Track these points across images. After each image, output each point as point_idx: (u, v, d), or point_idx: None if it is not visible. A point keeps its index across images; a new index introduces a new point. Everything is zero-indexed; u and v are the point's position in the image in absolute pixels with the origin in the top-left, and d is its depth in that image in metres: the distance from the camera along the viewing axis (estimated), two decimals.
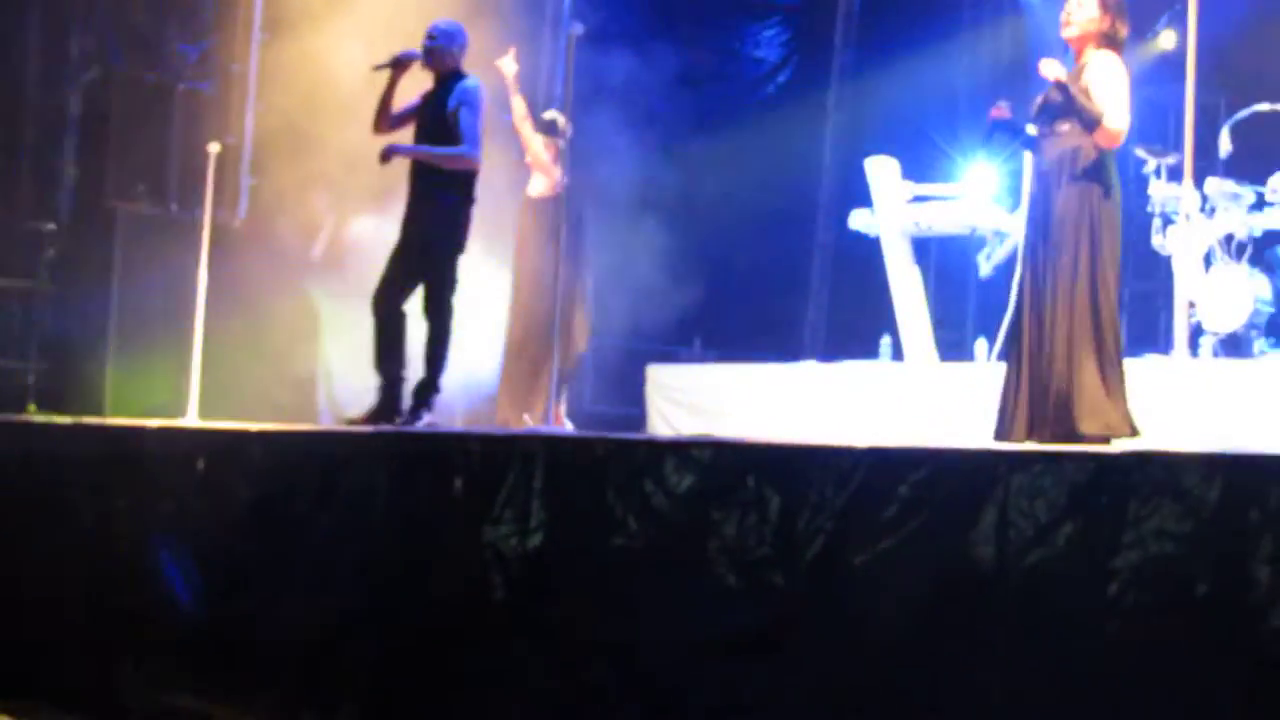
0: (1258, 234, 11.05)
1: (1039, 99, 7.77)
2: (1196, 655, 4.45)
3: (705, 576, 5.56)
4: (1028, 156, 8.20)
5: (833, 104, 16.65)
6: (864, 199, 12.41)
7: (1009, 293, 11.86)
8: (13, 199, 13.04)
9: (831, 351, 14.12)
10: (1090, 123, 7.39)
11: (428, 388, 8.94)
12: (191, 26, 13.65)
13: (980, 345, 12.66)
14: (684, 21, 14.72)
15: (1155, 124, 13.51)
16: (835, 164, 16.21)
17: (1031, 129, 7.77)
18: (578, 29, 10.51)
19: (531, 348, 10.89)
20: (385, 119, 9.07)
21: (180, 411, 9.80)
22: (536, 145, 11.12)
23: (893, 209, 12.08)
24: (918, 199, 12.30)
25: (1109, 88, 7.47)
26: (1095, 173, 7.47)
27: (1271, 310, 10.84)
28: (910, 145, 14.16)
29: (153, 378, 11.29)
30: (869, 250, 12.54)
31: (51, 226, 12.86)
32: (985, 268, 12.63)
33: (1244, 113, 11.00)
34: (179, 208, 12.11)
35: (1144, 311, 14.23)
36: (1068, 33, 7.83)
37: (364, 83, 10.25)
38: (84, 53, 13.33)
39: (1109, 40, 7.76)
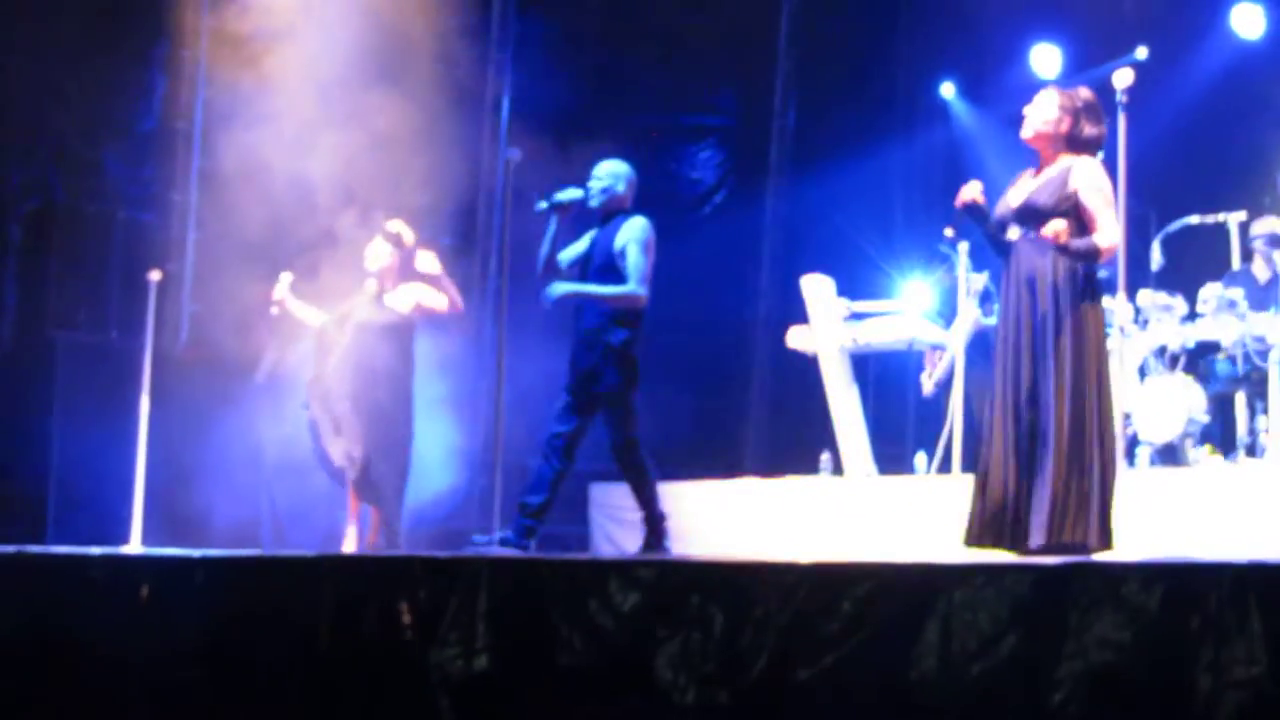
0: (1190, 345, 11.14)
1: (1012, 205, 7.58)
2: None
3: (651, 694, 5.57)
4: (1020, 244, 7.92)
5: (768, 223, 16.74)
6: (801, 316, 12.50)
7: (946, 406, 12.00)
8: None
9: (772, 467, 14.15)
10: (1089, 252, 7.23)
11: (656, 521, 9.04)
12: (131, 157, 13.71)
13: (920, 458, 12.72)
14: (624, 146, 14.85)
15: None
16: (772, 282, 16.29)
17: (1014, 232, 7.54)
18: (515, 155, 10.60)
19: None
20: (551, 261, 9.06)
21: (124, 539, 9.76)
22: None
23: (830, 326, 12.17)
24: (854, 316, 12.39)
25: (1095, 203, 7.31)
26: (1083, 279, 7.30)
27: (1207, 419, 10.93)
28: (846, 262, 14.31)
29: (94, 506, 11.25)
30: (807, 366, 12.62)
31: None
32: (928, 386, 12.71)
33: (1174, 225, 11.16)
34: (120, 335, 12.11)
35: None
36: (1024, 133, 7.70)
37: (303, 208, 10.35)
38: (25, 182, 13.37)
39: (1079, 144, 7.57)
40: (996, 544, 7.23)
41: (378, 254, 10.45)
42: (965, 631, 4.85)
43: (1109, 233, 7.26)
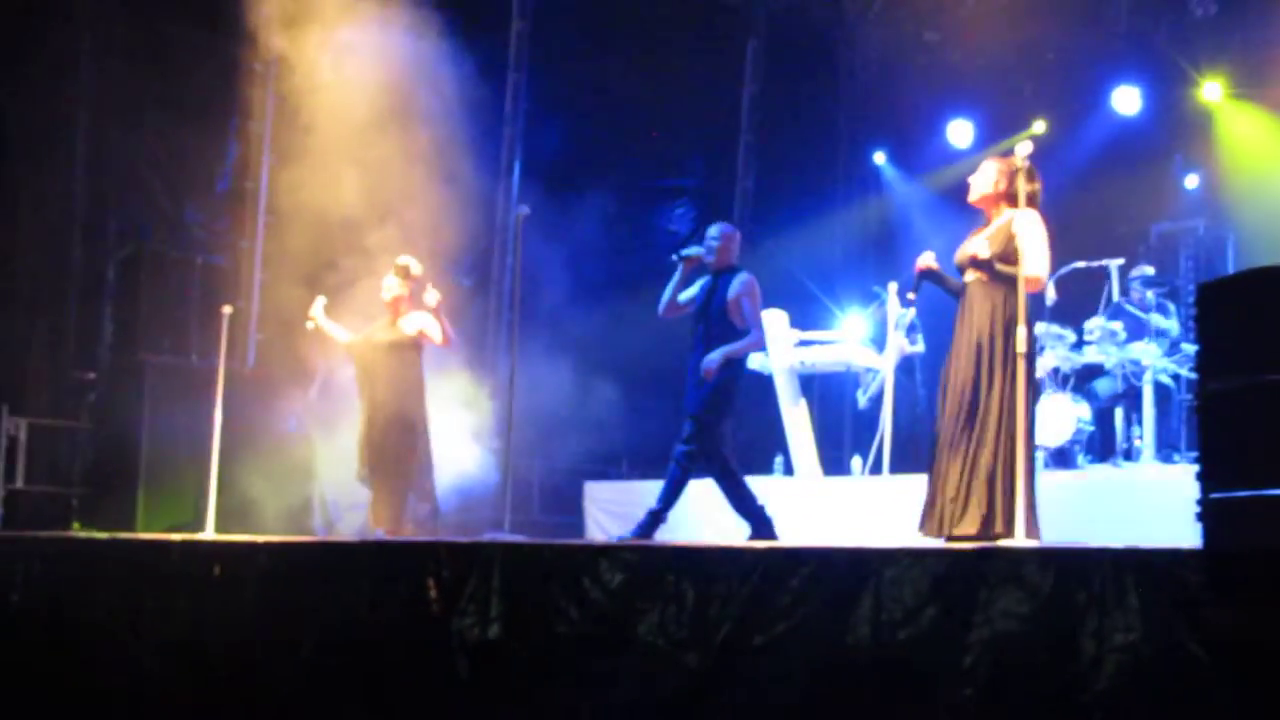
0: (1079, 367, 11.19)
1: (968, 253, 7.43)
2: (1034, 712, 4.46)
3: (634, 655, 5.55)
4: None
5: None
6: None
7: (878, 417, 11.99)
8: (60, 354, 13.00)
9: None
10: (1012, 279, 7.06)
11: (762, 525, 8.70)
12: (208, 212, 13.72)
13: (856, 461, 12.71)
14: (614, 204, 14.84)
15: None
16: None
17: (968, 276, 7.43)
18: (524, 211, 10.57)
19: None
20: (673, 302, 8.82)
21: (200, 527, 9.72)
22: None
23: (782, 352, 12.15)
24: (803, 343, 12.38)
25: (1028, 242, 7.16)
26: (1015, 313, 7.08)
27: (1092, 429, 10.94)
28: (796, 299, 14.26)
29: (176, 500, 11.21)
30: (765, 384, 12.60)
31: (92, 375, 12.81)
32: (862, 400, 12.72)
33: (1066, 268, 11.13)
34: (198, 359, 12.09)
35: None
36: (970, 198, 7.58)
37: (349, 255, 10.34)
38: (121, 232, 13.36)
39: (1017, 200, 7.30)
40: (940, 532, 7.12)
41: (390, 285, 10.40)
42: (893, 604, 4.84)
43: (1032, 265, 7.12)
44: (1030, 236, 7.22)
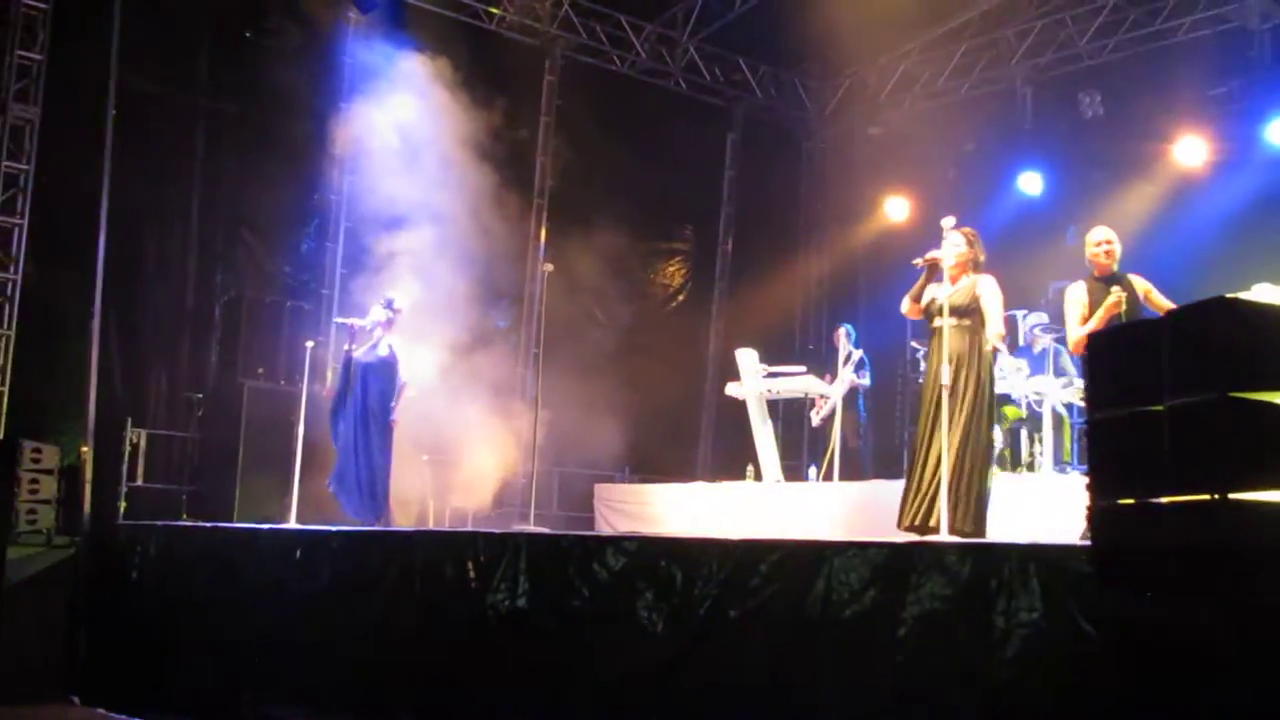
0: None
1: (940, 301, 7.26)
2: (954, 677, 4.46)
3: (635, 624, 5.54)
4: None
5: (714, 314, 16.76)
6: (735, 374, 12.48)
7: (829, 435, 11.95)
8: (174, 378, 13.02)
9: (714, 475, 14.11)
10: (975, 326, 7.21)
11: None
12: (295, 265, 13.76)
13: (812, 471, 12.68)
14: (621, 261, 14.88)
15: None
16: (717, 352, 16.27)
17: (939, 320, 7.22)
18: (548, 267, 10.58)
19: None
20: (918, 300, 7.55)
21: (285, 518, 9.71)
22: None
23: (753, 382, 12.14)
24: (769, 374, 12.36)
25: (991, 307, 7.24)
26: (982, 352, 7.23)
27: (1002, 446, 10.89)
28: (765, 340, 14.27)
29: (266, 495, 11.20)
30: (738, 407, 12.59)
31: (200, 395, 12.81)
32: (815, 420, 12.67)
33: None
34: (285, 383, 12.07)
35: None
36: (946, 263, 7.31)
37: (408, 302, 10.32)
38: (225, 281, 13.40)
39: (979, 266, 7.46)
40: (914, 529, 7.00)
41: (376, 314, 10.10)
42: (841, 586, 4.84)
43: (994, 327, 7.25)
44: (993, 301, 7.31)
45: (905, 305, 7.64)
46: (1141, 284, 7.39)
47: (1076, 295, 7.42)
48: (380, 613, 6.98)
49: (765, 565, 5.12)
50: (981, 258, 7.53)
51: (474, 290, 12.19)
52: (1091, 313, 7.29)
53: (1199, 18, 13.34)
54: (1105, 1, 13.94)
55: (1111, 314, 7.20)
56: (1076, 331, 7.34)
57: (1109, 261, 7.44)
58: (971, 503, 6.94)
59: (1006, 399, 11.03)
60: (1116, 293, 7.21)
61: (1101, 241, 7.48)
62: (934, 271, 7.43)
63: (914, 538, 6.69)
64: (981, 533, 6.93)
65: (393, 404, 9.82)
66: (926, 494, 7.01)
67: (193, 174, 13.34)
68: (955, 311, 7.26)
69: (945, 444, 6.88)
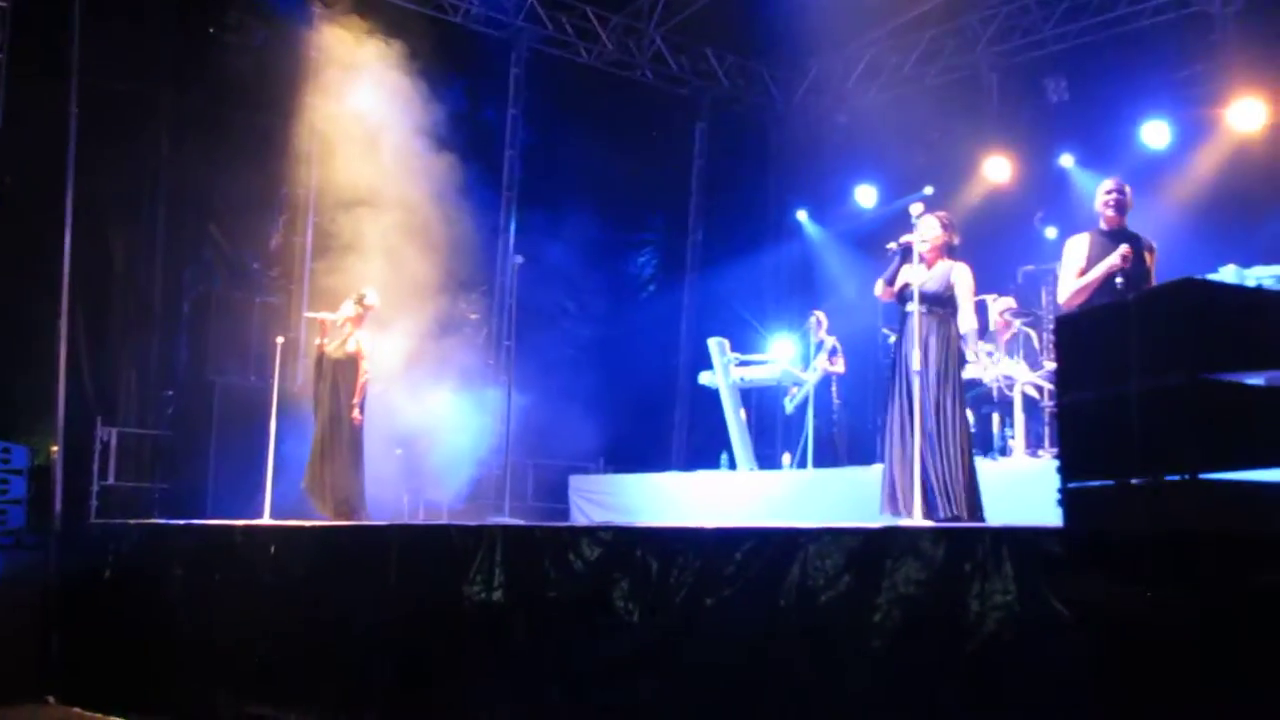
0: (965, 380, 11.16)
1: (913, 286, 7.18)
2: (930, 658, 4.47)
3: (611, 614, 5.54)
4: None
5: (685, 303, 16.77)
6: (708, 364, 12.51)
7: (803, 422, 12.00)
8: (144, 375, 12.95)
9: (689, 464, 14.14)
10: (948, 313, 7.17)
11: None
12: (264, 260, 13.68)
13: (785, 458, 12.72)
14: (591, 253, 14.87)
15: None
16: (688, 341, 16.31)
17: (912, 305, 7.14)
18: (519, 259, 10.58)
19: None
20: (893, 282, 7.36)
21: (259, 513, 9.67)
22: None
23: (725, 370, 12.17)
24: (741, 363, 12.40)
25: (963, 296, 7.18)
26: (955, 335, 7.19)
27: (974, 430, 10.87)
28: (736, 329, 14.30)
29: (240, 492, 11.13)
30: (711, 397, 12.61)
31: (171, 392, 12.76)
32: (789, 407, 12.72)
33: None
34: (256, 379, 12.00)
35: None
36: (921, 248, 7.27)
37: (379, 297, 10.27)
38: (194, 276, 13.33)
39: (953, 250, 7.39)
40: (895, 513, 6.95)
41: (346, 309, 9.95)
42: (816, 572, 4.84)
43: (967, 319, 7.20)
44: (966, 291, 7.22)
45: (879, 288, 7.53)
46: (1153, 249, 7.03)
47: (1075, 247, 7.10)
48: (356, 607, 6.95)
49: (740, 553, 5.12)
50: (956, 241, 7.49)
51: (445, 283, 12.16)
52: (1089, 268, 6.96)
53: (1162, 2, 13.42)
54: None
55: (1110, 272, 6.88)
56: (1068, 284, 7.04)
57: (1115, 214, 7.06)
58: (962, 490, 6.92)
59: (978, 384, 11.07)
60: (1123, 249, 6.86)
61: (1110, 190, 7.10)
62: (908, 255, 7.34)
63: (890, 522, 6.70)
64: (979, 516, 6.90)
65: (354, 400, 9.75)
66: (908, 482, 6.94)
67: (158, 171, 13.25)
68: (928, 298, 7.22)
69: (918, 429, 6.90)
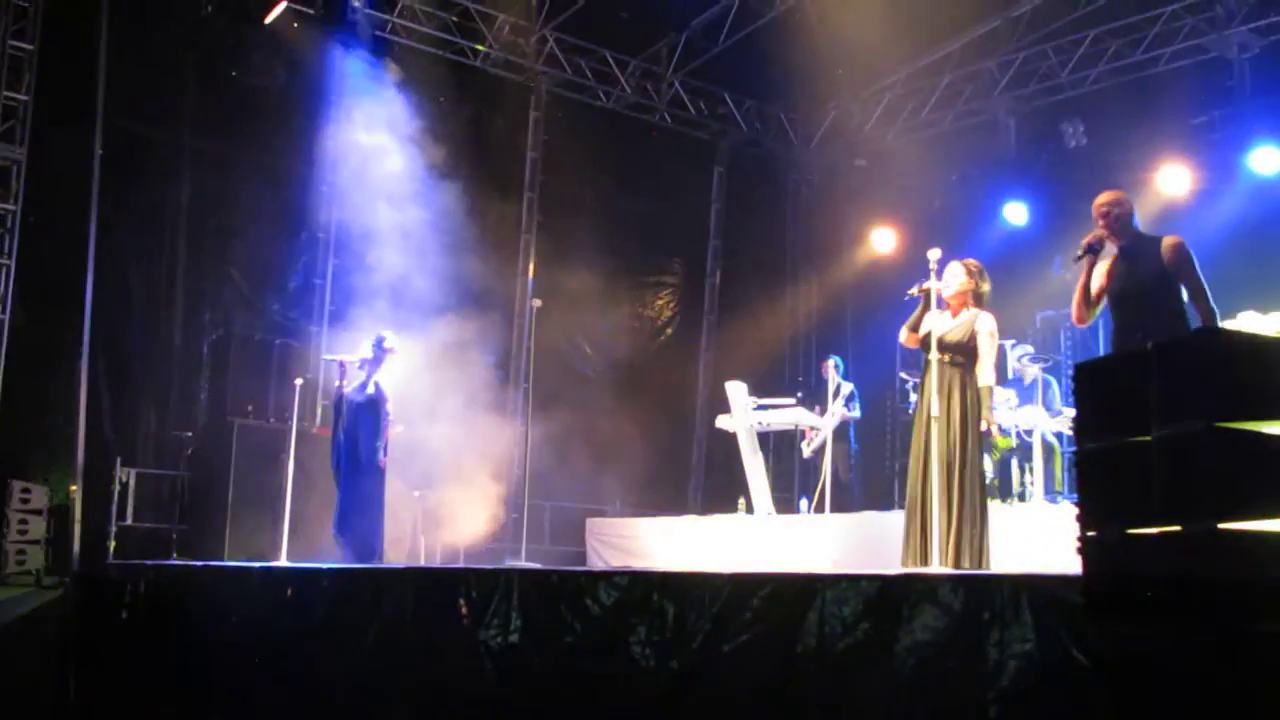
0: None
1: (936, 335, 7.11)
2: (949, 705, 4.45)
3: (627, 660, 5.52)
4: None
5: (703, 346, 16.79)
6: (725, 408, 12.50)
7: (820, 467, 11.98)
8: (163, 416, 13.01)
9: (705, 508, 14.11)
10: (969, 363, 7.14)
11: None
12: (284, 303, 13.77)
13: (803, 503, 12.69)
14: (609, 296, 14.89)
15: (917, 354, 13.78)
16: (706, 385, 16.32)
17: (934, 354, 7.07)
18: (536, 303, 10.61)
19: None
20: (916, 330, 7.38)
21: (276, 556, 9.68)
22: None
23: (743, 414, 12.16)
24: (759, 407, 12.38)
25: (985, 350, 7.16)
26: (973, 387, 7.15)
27: (993, 476, 10.88)
28: (754, 372, 14.30)
29: (257, 534, 11.16)
30: (729, 440, 12.60)
31: (189, 434, 12.80)
32: (806, 451, 12.71)
33: None
34: (275, 420, 12.05)
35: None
36: (947, 295, 7.26)
37: (398, 340, 10.30)
38: (214, 318, 13.41)
39: (980, 298, 7.36)
40: (920, 564, 6.91)
41: (365, 352, 9.99)
42: (833, 620, 4.82)
43: (985, 376, 7.17)
44: (988, 343, 7.18)
45: (903, 335, 7.49)
46: (1172, 250, 6.46)
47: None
48: (372, 651, 6.94)
49: (757, 599, 5.10)
50: (985, 288, 7.44)
51: (462, 325, 12.21)
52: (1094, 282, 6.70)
53: (1179, 48, 13.46)
54: (1086, 33, 14.06)
55: (1085, 284, 6.65)
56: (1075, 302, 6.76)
57: (1111, 232, 6.63)
58: (976, 546, 6.89)
59: (998, 429, 11.04)
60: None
61: (1096, 214, 6.69)
62: (929, 301, 7.30)
63: (909, 570, 6.67)
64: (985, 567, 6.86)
65: (378, 443, 9.76)
66: (927, 533, 6.89)
67: (180, 212, 13.38)
68: (950, 347, 7.20)
69: (936, 478, 6.89)
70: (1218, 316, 6.35)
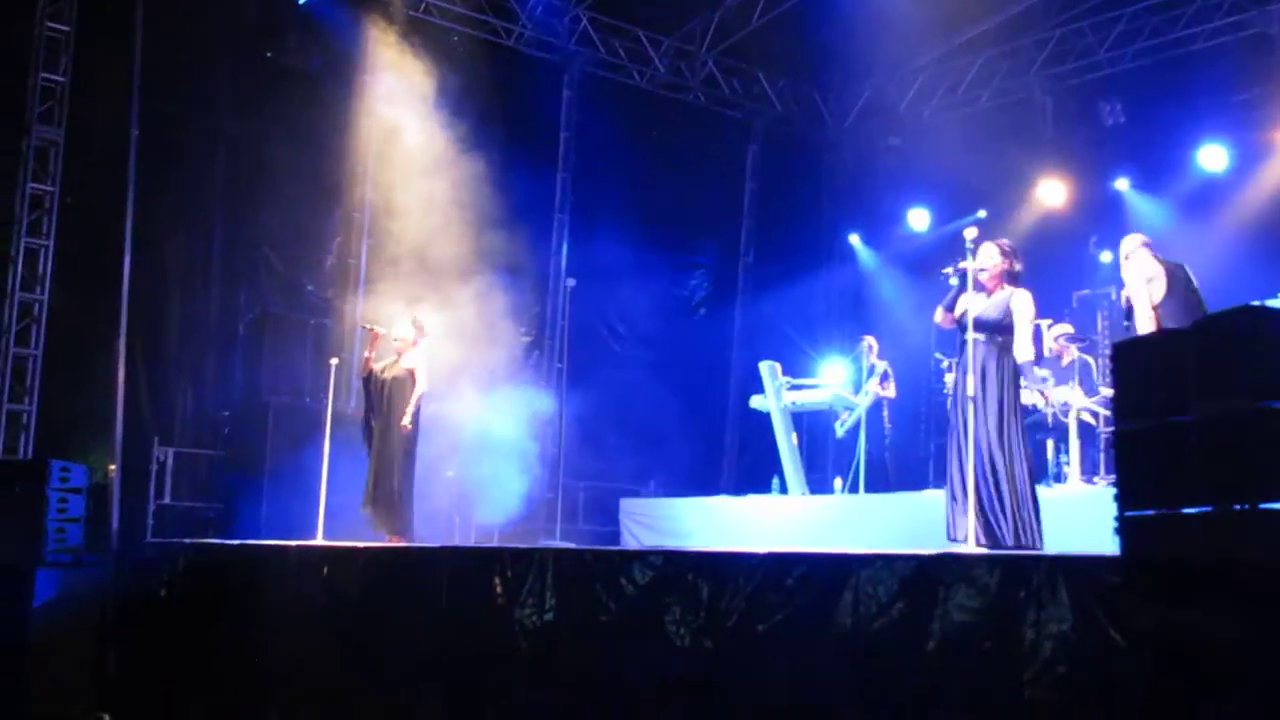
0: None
1: (972, 315, 7.11)
2: (983, 688, 4.44)
3: (662, 639, 5.53)
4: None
5: (737, 326, 16.77)
6: (759, 388, 12.49)
7: (855, 447, 11.97)
8: (202, 396, 13.10)
9: (740, 488, 14.10)
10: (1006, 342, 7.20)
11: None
12: (319, 282, 13.81)
13: (837, 482, 12.67)
14: (642, 275, 14.87)
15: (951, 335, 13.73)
16: (739, 365, 16.31)
17: (970, 333, 7.07)
18: (571, 283, 10.62)
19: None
20: (952, 309, 7.43)
21: (312, 534, 9.73)
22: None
23: (777, 394, 12.15)
24: (793, 387, 12.37)
25: (1021, 325, 7.19)
26: (1013, 363, 7.17)
27: None
28: (788, 353, 14.28)
29: (293, 512, 11.21)
30: (763, 420, 12.59)
31: (226, 413, 12.88)
32: (840, 431, 12.67)
33: None
34: (310, 400, 12.12)
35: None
36: (981, 276, 7.27)
37: (433, 319, 10.33)
38: (249, 298, 13.46)
39: (1014, 278, 7.37)
40: (953, 539, 6.94)
41: (401, 330, 9.98)
42: (869, 599, 4.82)
43: (1023, 351, 7.19)
44: (1024, 318, 7.22)
45: (938, 315, 7.53)
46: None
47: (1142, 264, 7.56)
48: (407, 629, 6.98)
49: (791, 578, 5.10)
50: (1018, 268, 7.43)
51: (497, 304, 12.23)
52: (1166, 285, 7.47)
53: (1219, 24, 13.32)
54: (1124, 10, 13.92)
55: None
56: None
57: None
58: (1029, 517, 6.90)
59: (1032, 410, 10.98)
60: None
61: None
62: (965, 282, 7.29)
63: (945, 549, 6.66)
64: (1038, 545, 6.87)
65: (408, 409, 9.73)
66: (964, 509, 6.91)
67: (215, 193, 13.45)
68: (986, 326, 7.18)
69: (972, 457, 6.87)
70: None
